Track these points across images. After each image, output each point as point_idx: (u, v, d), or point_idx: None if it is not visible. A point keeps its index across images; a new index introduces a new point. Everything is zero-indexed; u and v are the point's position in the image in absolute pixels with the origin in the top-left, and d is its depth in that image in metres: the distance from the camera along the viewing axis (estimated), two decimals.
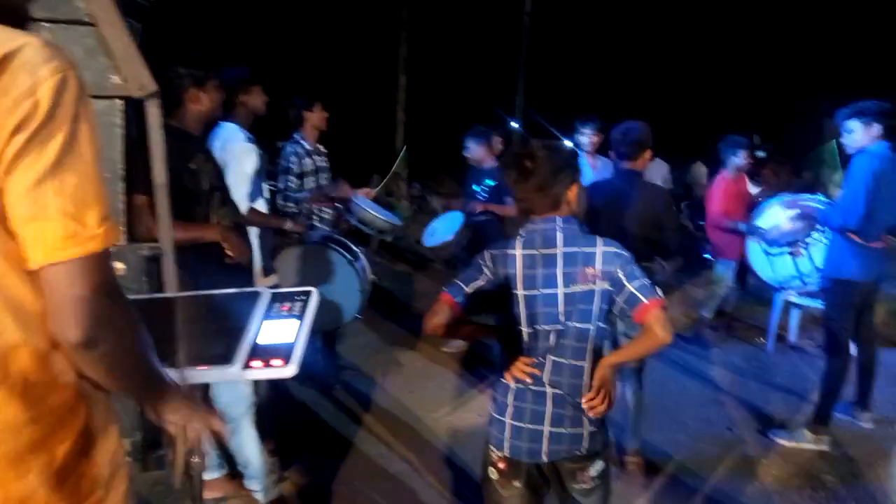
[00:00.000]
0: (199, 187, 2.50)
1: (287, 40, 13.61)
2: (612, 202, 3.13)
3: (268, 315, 1.45)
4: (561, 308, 1.81)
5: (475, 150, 4.92)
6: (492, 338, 2.05)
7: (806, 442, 3.60)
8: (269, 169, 4.13)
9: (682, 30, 19.92)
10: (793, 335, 5.45)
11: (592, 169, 4.81)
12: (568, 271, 1.80)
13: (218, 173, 2.66)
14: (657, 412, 4.01)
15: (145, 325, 1.05)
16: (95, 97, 1.62)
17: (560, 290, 1.80)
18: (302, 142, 4.12)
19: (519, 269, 1.82)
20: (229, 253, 2.48)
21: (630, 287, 1.81)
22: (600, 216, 3.17)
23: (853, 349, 3.74)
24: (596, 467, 1.88)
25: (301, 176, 4.06)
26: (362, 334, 5.12)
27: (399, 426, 3.76)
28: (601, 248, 1.84)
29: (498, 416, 1.90)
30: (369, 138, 14.49)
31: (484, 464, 1.97)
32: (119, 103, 1.84)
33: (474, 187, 4.90)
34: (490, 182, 4.78)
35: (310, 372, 3.89)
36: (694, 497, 3.13)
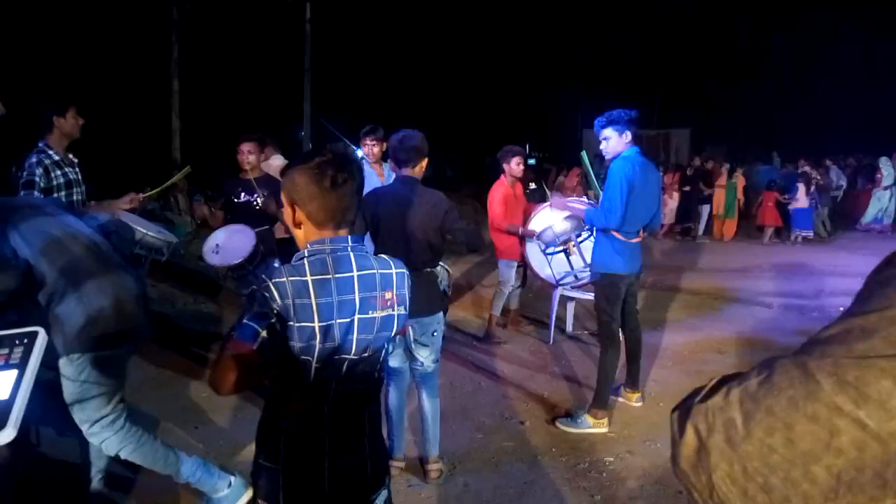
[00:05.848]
0: None
1: (37, 34, 11.97)
2: (394, 210, 3.09)
3: None
4: (355, 336, 1.62)
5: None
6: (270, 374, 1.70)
7: (589, 427, 3.87)
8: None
9: (459, 42, 21.01)
10: (570, 326, 5.92)
11: (379, 178, 4.78)
12: (364, 296, 1.63)
13: None
14: (455, 414, 4.08)
15: None
16: None
17: (356, 318, 1.62)
18: (48, 151, 3.58)
19: (313, 298, 1.56)
20: None
21: (405, 309, 1.77)
22: (382, 224, 3.12)
23: (622, 335, 4.11)
24: (381, 497, 1.78)
25: (49, 192, 3.52)
26: (136, 368, 4.51)
27: None
28: (395, 270, 1.73)
29: (269, 465, 1.64)
30: (141, 148, 13.21)
31: None
32: None
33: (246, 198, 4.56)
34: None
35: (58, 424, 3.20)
36: (491, 493, 3.20)
